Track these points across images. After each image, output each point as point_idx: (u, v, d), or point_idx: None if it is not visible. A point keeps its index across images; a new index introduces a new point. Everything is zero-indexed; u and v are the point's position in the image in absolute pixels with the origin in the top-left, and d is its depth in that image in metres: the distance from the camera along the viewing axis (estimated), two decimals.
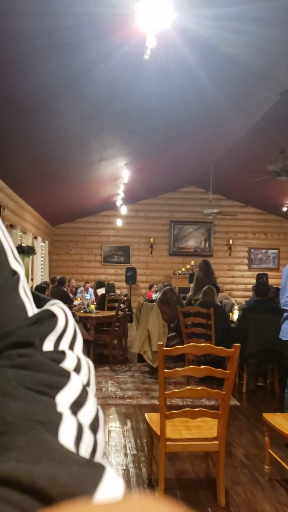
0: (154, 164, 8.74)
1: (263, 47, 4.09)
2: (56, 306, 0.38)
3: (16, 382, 0.29)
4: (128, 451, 3.32)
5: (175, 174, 10.25)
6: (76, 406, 0.31)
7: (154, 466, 2.81)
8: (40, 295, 0.41)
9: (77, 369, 0.34)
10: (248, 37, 3.83)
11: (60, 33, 3.40)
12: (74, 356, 0.35)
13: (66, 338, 0.36)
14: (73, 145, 6.15)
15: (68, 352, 0.35)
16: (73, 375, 0.33)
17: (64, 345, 0.35)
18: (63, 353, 0.34)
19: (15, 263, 0.38)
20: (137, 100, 5.07)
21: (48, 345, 0.34)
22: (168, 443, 2.48)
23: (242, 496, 2.65)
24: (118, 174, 8.26)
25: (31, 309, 0.37)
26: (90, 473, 0.23)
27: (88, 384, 0.35)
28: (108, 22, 3.38)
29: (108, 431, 3.75)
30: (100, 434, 0.33)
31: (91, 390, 0.35)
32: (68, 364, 0.34)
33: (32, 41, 3.39)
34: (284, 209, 10.99)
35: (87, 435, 0.30)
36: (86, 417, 0.31)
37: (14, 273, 0.37)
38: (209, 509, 2.49)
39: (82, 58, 3.82)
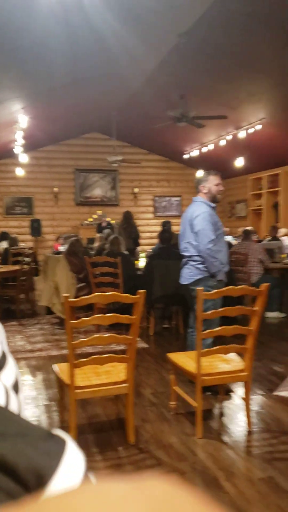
0: (55, 109, 8.29)
1: None
2: None
3: None
4: (40, 402, 3.34)
5: (78, 120, 9.86)
6: None
7: (66, 414, 2.87)
8: None
9: None
10: None
11: None
12: None
13: None
14: None
15: None
16: None
17: None
18: None
19: None
20: (31, 39, 4.68)
21: None
22: (77, 391, 2.53)
23: (151, 433, 2.83)
24: (14, 119, 7.72)
25: None
26: (53, 446, 0.24)
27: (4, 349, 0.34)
28: None
29: None
30: (21, 395, 0.33)
31: (7, 351, 0.34)
32: None
33: None
34: (186, 156, 11.20)
35: (13, 396, 0.31)
36: (8, 379, 0.31)
37: None
38: (120, 448, 2.63)
39: None
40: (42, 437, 0.24)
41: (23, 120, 7.53)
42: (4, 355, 0.33)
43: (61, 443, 0.25)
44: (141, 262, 6.22)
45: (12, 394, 0.31)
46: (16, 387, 0.32)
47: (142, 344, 4.84)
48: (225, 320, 3.17)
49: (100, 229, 9.81)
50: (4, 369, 0.31)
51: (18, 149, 9.59)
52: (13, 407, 0.30)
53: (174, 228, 8.28)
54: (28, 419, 0.28)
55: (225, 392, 3.34)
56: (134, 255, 6.79)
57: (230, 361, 2.95)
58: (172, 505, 0.15)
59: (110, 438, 2.76)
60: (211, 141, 9.58)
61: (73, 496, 0.16)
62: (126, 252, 5.94)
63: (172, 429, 2.88)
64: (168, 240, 5.46)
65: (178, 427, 2.91)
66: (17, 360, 4.31)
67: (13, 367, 0.33)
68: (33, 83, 6.41)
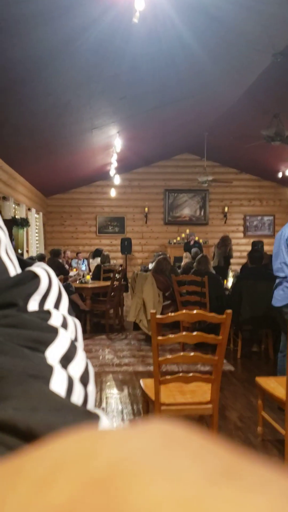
0: (147, 131, 8.60)
1: (253, 7, 3.95)
2: (38, 267, 0.36)
3: (4, 339, 0.28)
4: (125, 416, 3.41)
5: (168, 142, 10.10)
6: (66, 360, 0.31)
7: None
8: (25, 260, 0.40)
9: (64, 326, 0.34)
10: None
11: None
12: (60, 314, 0.35)
13: (50, 298, 0.35)
14: (63, 113, 6.02)
15: (53, 310, 0.34)
16: (61, 330, 0.33)
17: (49, 305, 0.35)
18: (48, 312, 0.34)
19: None
20: (127, 66, 4.94)
21: (32, 305, 0.34)
22: (162, 407, 2.55)
23: None
24: (111, 143, 8.13)
25: (14, 272, 0.36)
26: (85, 421, 0.23)
27: (76, 339, 0.35)
28: None
29: (106, 397, 3.85)
30: (90, 387, 0.33)
31: (80, 345, 0.35)
32: (55, 321, 0.33)
33: (17, 6, 3.26)
34: (279, 175, 10.90)
35: (78, 387, 0.31)
36: (76, 370, 0.32)
37: None
38: None
39: (69, 24, 3.69)
40: (75, 413, 0.24)
41: (118, 144, 7.90)
42: (74, 347, 0.33)
43: (94, 418, 0.24)
44: (229, 282, 6.13)
45: (78, 385, 0.31)
46: (84, 379, 0.33)
47: (228, 367, 4.74)
48: None
49: (187, 247, 9.86)
50: (72, 362, 0.32)
51: (112, 171, 10.06)
52: (76, 398, 0.30)
53: (266, 248, 8.06)
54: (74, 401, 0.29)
55: None
56: (225, 274, 6.84)
57: None
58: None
59: None
60: None
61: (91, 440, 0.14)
62: (213, 271, 5.90)
63: (258, 456, 2.77)
64: (258, 260, 5.33)
65: (265, 454, 2.80)
66: (105, 373, 4.45)
67: (83, 359, 0.34)
68: (128, 108, 6.72)
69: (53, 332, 0.32)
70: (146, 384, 2.83)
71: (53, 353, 0.30)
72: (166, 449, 0.13)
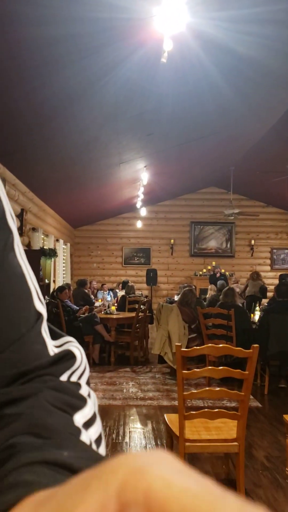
0: (173, 166, 8.75)
1: (280, 48, 4.06)
2: (74, 347, 0.45)
3: (50, 401, 0.37)
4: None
5: (194, 176, 10.23)
6: (87, 425, 0.39)
7: None
8: (54, 329, 0.48)
9: (89, 396, 0.43)
10: (264, 38, 3.81)
11: (78, 39, 3.45)
12: (86, 387, 0.43)
13: (78, 372, 0.44)
14: (92, 148, 6.22)
15: (82, 383, 0.43)
16: (88, 400, 0.41)
17: (75, 377, 0.43)
18: (79, 384, 0.42)
19: (40, 304, 0.44)
20: (154, 103, 5.10)
21: (64, 377, 0.42)
22: (187, 444, 2.49)
23: (263, 499, 2.64)
24: (138, 176, 8.30)
25: (50, 345, 0.44)
26: None
27: (96, 409, 0.44)
28: (124, 26, 3.42)
29: (129, 432, 3.78)
30: (101, 449, 0.41)
31: (97, 413, 0.43)
32: (83, 392, 0.42)
33: (51, 47, 3.45)
34: None
35: (94, 447, 0.39)
36: (93, 434, 0.39)
37: (39, 315, 0.43)
38: None
39: (99, 63, 3.87)
40: (103, 460, 0.30)
41: (145, 178, 8.05)
42: (95, 416, 0.41)
43: None
44: (256, 316, 6.03)
45: (94, 446, 0.38)
46: (98, 442, 0.40)
47: (255, 403, 4.60)
48: None
49: (213, 279, 9.80)
50: (92, 426, 0.39)
51: (139, 203, 10.22)
52: None
53: None
54: None
55: None
56: (259, 304, 6.91)
57: None
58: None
59: None
60: None
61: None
62: (240, 305, 5.82)
63: (287, 499, 2.65)
64: (286, 293, 5.24)
65: None
66: (129, 407, 4.39)
67: (99, 424, 0.41)
68: (155, 143, 6.88)
69: (83, 401, 0.40)
70: (171, 419, 2.78)
71: (79, 418, 0.38)
72: None
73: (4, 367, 0.39)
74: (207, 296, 7.99)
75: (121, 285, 9.93)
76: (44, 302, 0.45)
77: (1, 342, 0.39)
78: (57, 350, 0.44)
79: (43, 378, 0.40)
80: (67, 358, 0.43)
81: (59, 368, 0.42)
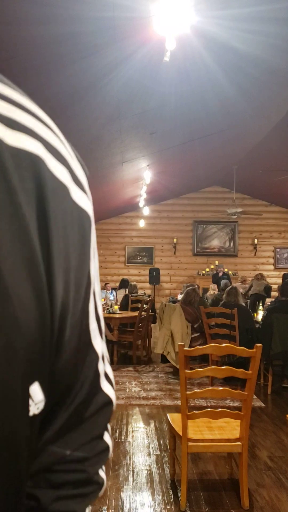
0: (176, 165, 8.74)
1: (283, 47, 4.04)
2: (109, 438, 0.45)
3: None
4: (151, 451, 3.34)
5: (197, 175, 10.21)
6: None
7: (177, 467, 2.82)
8: None
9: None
10: (268, 37, 3.79)
11: (80, 38, 3.45)
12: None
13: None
14: (95, 147, 6.21)
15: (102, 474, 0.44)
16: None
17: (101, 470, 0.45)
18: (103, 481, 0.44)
19: (108, 387, 0.43)
20: (157, 102, 5.09)
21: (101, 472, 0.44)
22: (190, 443, 2.48)
23: (266, 499, 2.63)
24: (140, 176, 8.29)
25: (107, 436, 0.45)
26: None
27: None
28: (126, 25, 3.41)
29: (132, 431, 3.78)
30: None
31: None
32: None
33: (53, 46, 3.45)
34: None
35: None
36: None
37: (108, 402, 0.43)
38: (232, 511, 2.48)
39: (101, 61, 3.86)
40: None
41: (148, 177, 8.04)
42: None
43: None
44: (259, 315, 6.01)
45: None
46: None
47: (258, 403, 4.59)
48: None
49: (216, 279, 9.79)
50: None
51: (142, 202, 10.21)
52: None
53: None
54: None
55: None
56: (263, 303, 6.96)
57: None
58: None
59: (222, 499, 2.63)
60: None
61: None
62: (243, 304, 5.80)
63: None
64: None
65: None
66: (131, 406, 4.39)
67: None
68: (157, 142, 6.87)
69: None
70: (173, 418, 2.78)
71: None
72: None
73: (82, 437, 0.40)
74: (207, 294, 7.99)
75: (119, 284, 9.92)
76: (113, 384, 0.45)
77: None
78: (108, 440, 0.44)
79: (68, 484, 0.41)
80: (102, 451, 0.43)
81: (94, 462, 0.42)
